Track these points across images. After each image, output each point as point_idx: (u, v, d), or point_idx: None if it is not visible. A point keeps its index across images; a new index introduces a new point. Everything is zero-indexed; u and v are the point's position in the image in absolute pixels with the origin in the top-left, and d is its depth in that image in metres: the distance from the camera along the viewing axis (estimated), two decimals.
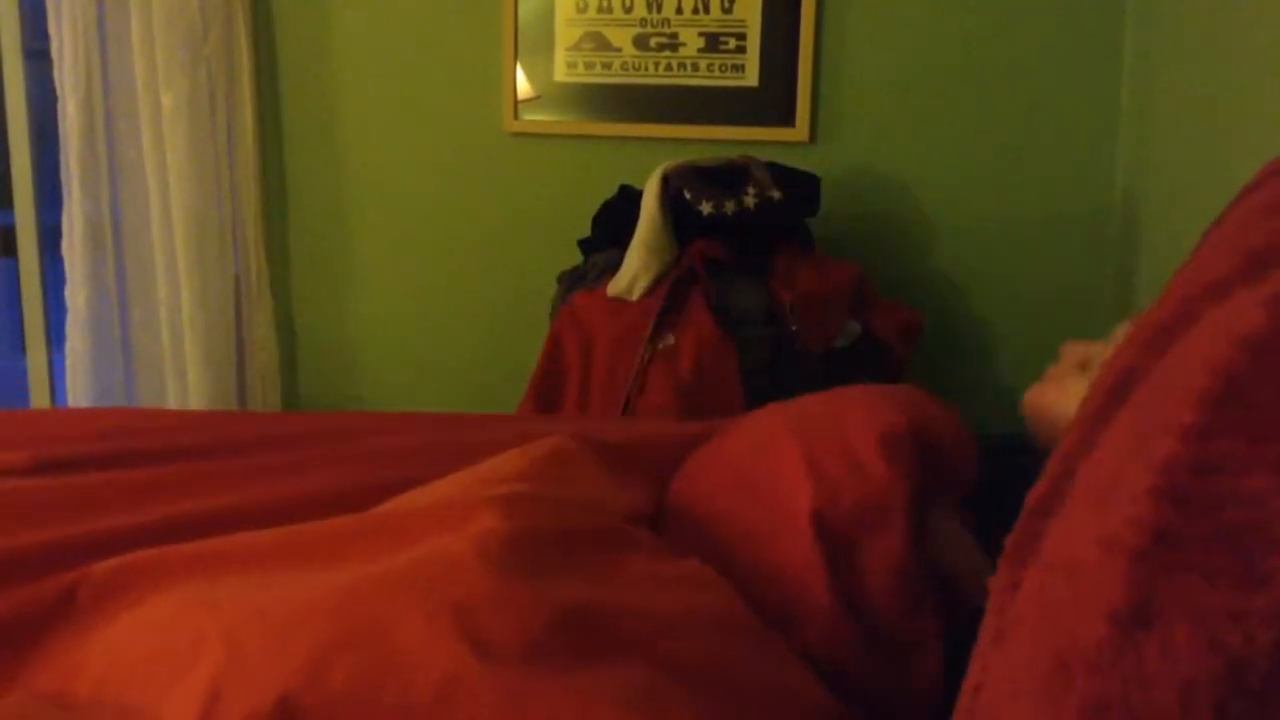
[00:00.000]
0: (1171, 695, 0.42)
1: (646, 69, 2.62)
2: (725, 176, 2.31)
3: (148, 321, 2.75)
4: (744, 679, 0.95)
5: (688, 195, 2.26)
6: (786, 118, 2.60)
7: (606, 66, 2.63)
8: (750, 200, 2.27)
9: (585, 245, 2.50)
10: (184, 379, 2.68)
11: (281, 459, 1.57)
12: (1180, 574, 0.43)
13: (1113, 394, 0.56)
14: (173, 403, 2.71)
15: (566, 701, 0.84)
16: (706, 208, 2.25)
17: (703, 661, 0.94)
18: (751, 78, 2.59)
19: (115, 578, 1.10)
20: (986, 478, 1.35)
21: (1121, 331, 1.58)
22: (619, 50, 2.62)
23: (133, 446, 1.57)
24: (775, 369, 2.15)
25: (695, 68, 2.60)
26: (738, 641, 1.00)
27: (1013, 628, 0.55)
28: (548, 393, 2.26)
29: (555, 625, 0.90)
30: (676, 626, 0.97)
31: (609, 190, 2.48)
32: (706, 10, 2.58)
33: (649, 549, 1.13)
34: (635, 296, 2.22)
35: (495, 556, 0.98)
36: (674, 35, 2.60)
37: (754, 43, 2.58)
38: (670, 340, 2.16)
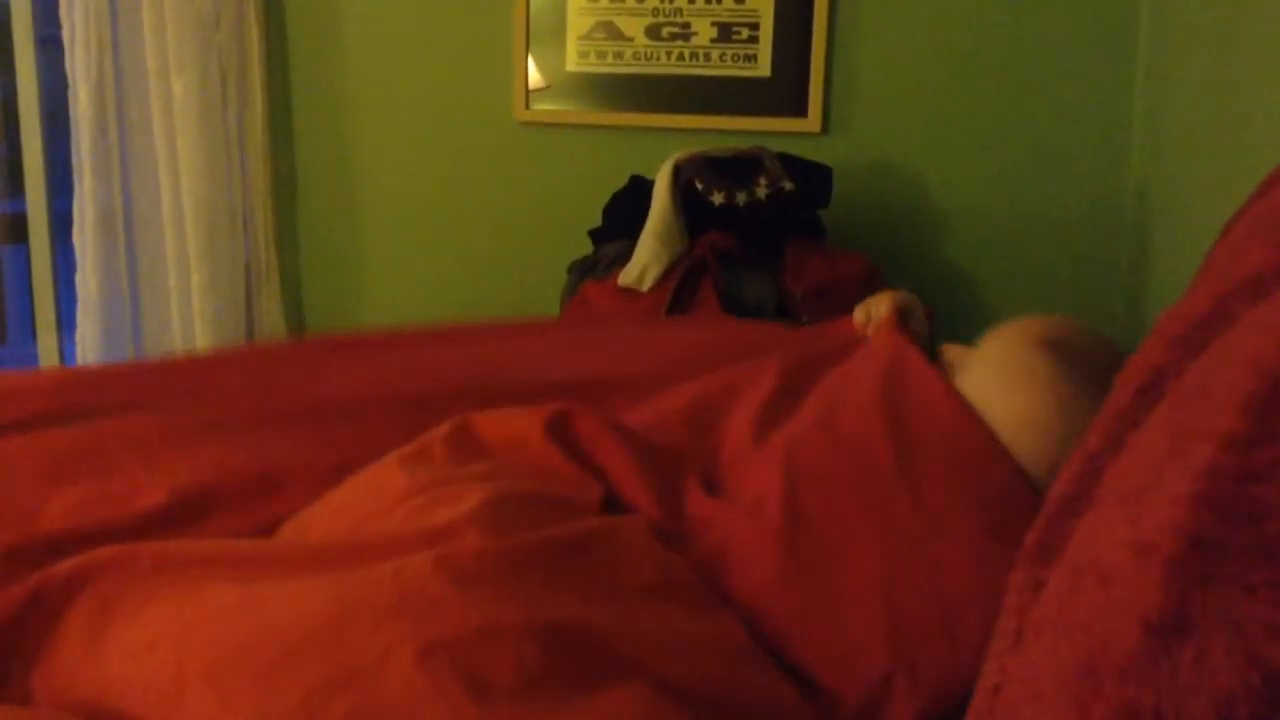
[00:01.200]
0: (1205, 707, 0.41)
1: (658, 59, 2.60)
2: (737, 167, 2.29)
3: (158, 309, 2.74)
4: (740, 697, 0.93)
5: (699, 186, 2.25)
6: (799, 108, 2.58)
7: (618, 56, 2.62)
8: (762, 191, 2.25)
9: (596, 235, 2.49)
10: None
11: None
12: (1219, 584, 0.42)
13: (1143, 393, 0.55)
14: None
15: None
16: (718, 198, 2.24)
17: (699, 681, 0.92)
18: (764, 68, 2.57)
19: (78, 581, 1.05)
20: None
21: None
22: (631, 40, 2.60)
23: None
24: None
25: (707, 58, 2.59)
26: (737, 658, 0.98)
27: (1035, 629, 0.54)
28: None
29: (550, 654, 0.87)
30: (671, 645, 0.94)
31: (620, 180, 2.47)
32: (719, 0, 2.56)
33: (653, 548, 1.09)
34: (646, 287, 2.21)
35: (482, 583, 0.94)
36: (686, 25, 2.58)
37: (766, 33, 2.56)
38: (694, 316, 2.16)
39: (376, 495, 1.25)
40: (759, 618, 1.10)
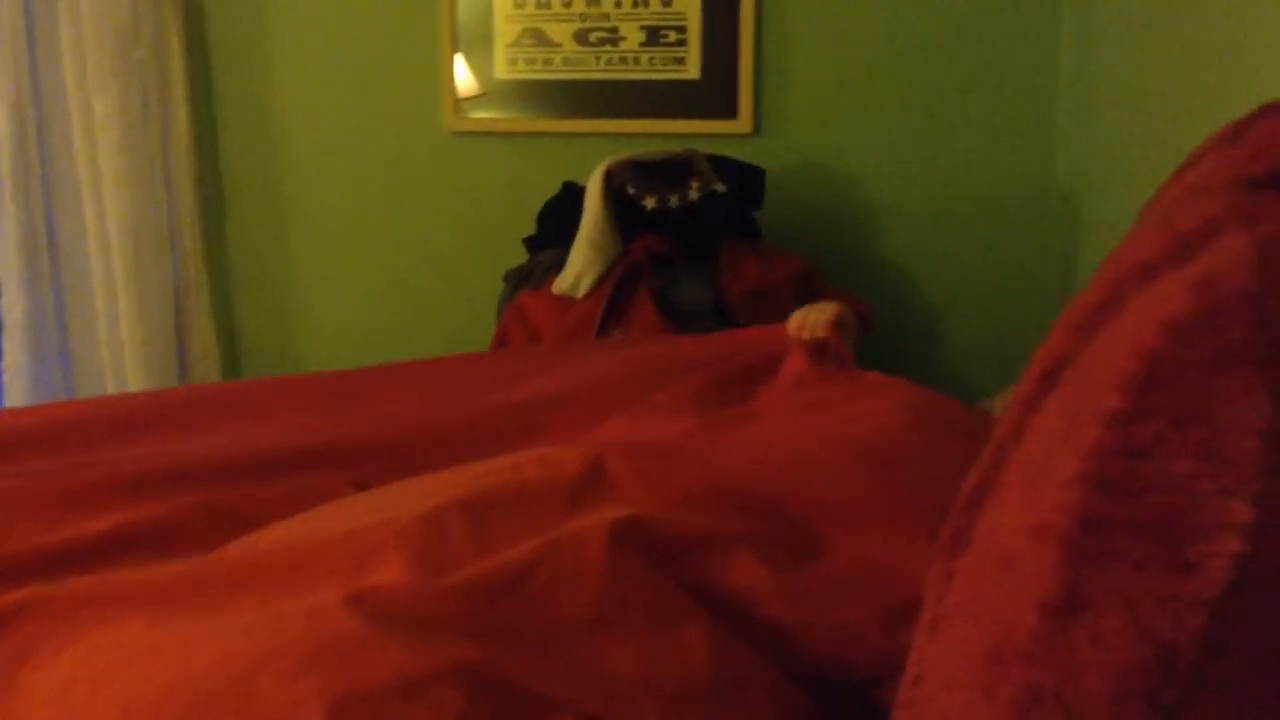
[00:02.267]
0: (1103, 684, 0.42)
1: (587, 64, 2.60)
2: (668, 170, 2.30)
3: (87, 332, 2.70)
4: None
5: (631, 190, 2.25)
6: (729, 110, 2.59)
7: (547, 63, 2.61)
8: (694, 194, 2.26)
9: (531, 243, 2.48)
10: (125, 389, 2.63)
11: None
12: (1109, 561, 0.42)
13: (1043, 380, 0.56)
14: None
15: None
16: (650, 202, 2.24)
17: None
18: (693, 70, 2.58)
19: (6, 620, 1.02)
20: None
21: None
22: (559, 46, 2.60)
23: None
24: None
25: (636, 61, 2.59)
26: (688, 701, 0.94)
27: (947, 618, 0.54)
28: None
29: (472, 703, 0.83)
30: (615, 688, 0.90)
31: (553, 187, 2.46)
32: (646, 4, 2.56)
33: (598, 575, 1.02)
34: (581, 293, 2.21)
35: (401, 625, 0.90)
36: (614, 30, 2.58)
37: (695, 35, 2.57)
38: (618, 336, 2.15)
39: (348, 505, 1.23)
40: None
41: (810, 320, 1.70)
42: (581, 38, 2.59)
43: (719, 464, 1.27)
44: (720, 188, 2.27)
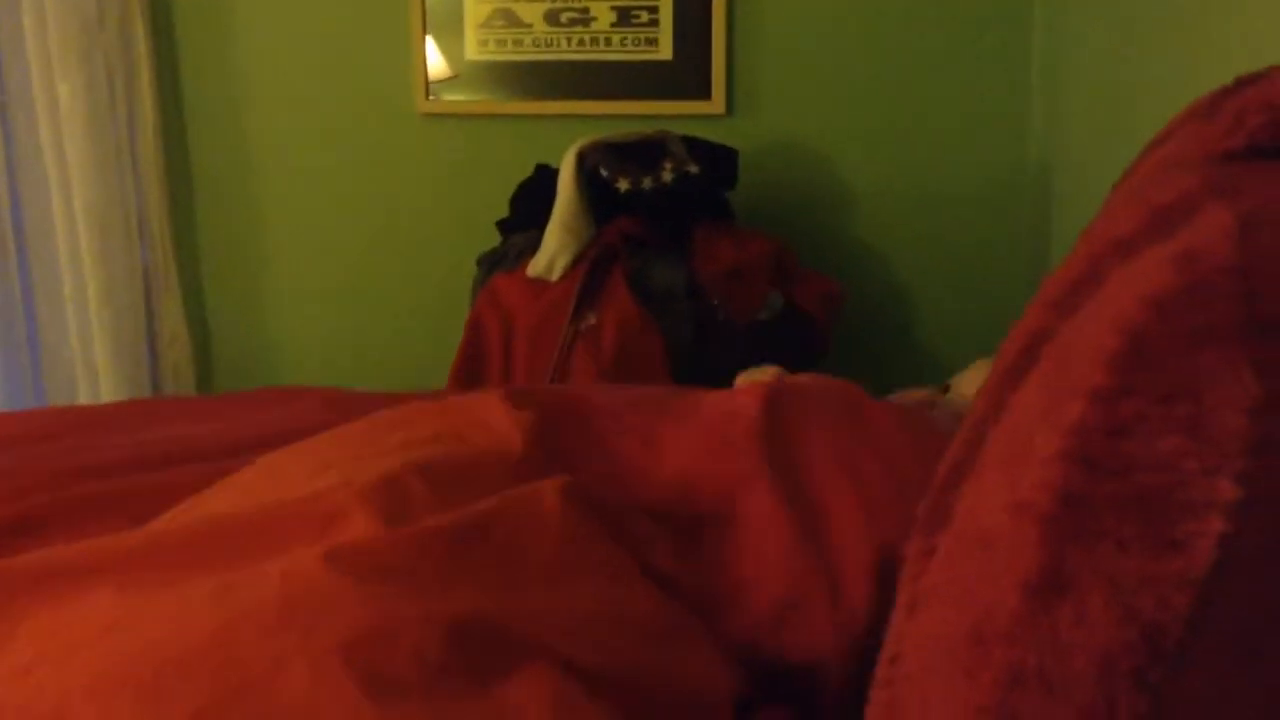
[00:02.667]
0: (1088, 664, 0.41)
1: (559, 45, 2.58)
2: (642, 152, 2.29)
3: (55, 319, 2.66)
4: (657, 676, 0.92)
5: (604, 172, 2.24)
6: (702, 90, 2.58)
7: (518, 44, 2.59)
8: (667, 175, 2.25)
9: (504, 226, 2.46)
10: (95, 377, 2.61)
11: None
12: (1092, 540, 0.42)
13: (1021, 356, 0.55)
14: (84, 400, 2.63)
15: None
16: (623, 184, 2.23)
17: (610, 662, 0.90)
18: (665, 51, 2.57)
19: None
20: None
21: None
22: (530, 27, 2.58)
23: None
24: (699, 344, 2.14)
25: (608, 42, 2.57)
26: (650, 638, 0.96)
27: (927, 597, 0.54)
28: (469, 377, 2.23)
29: (451, 647, 0.84)
30: (579, 626, 0.92)
31: (526, 170, 2.45)
32: None
33: (556, 524, 1.06)
34: (555, 277, 2.20)
35: (376, 576, 0.91)
36: (585, 10, 2.56)
37: (666, 15, 2.55)
38: (592, 320, 2.14)
39: (281, 472, 1.23)
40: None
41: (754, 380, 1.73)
42: (552, 18, 2.57)
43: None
44: (693, 169, 2.26)
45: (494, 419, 1.31)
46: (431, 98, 2.62)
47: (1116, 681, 0.41)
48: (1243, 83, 0.65)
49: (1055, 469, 0.44)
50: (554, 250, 2.20)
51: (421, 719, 0.79)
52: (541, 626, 0.90)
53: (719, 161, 2.34)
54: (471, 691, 0.82)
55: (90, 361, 2.62)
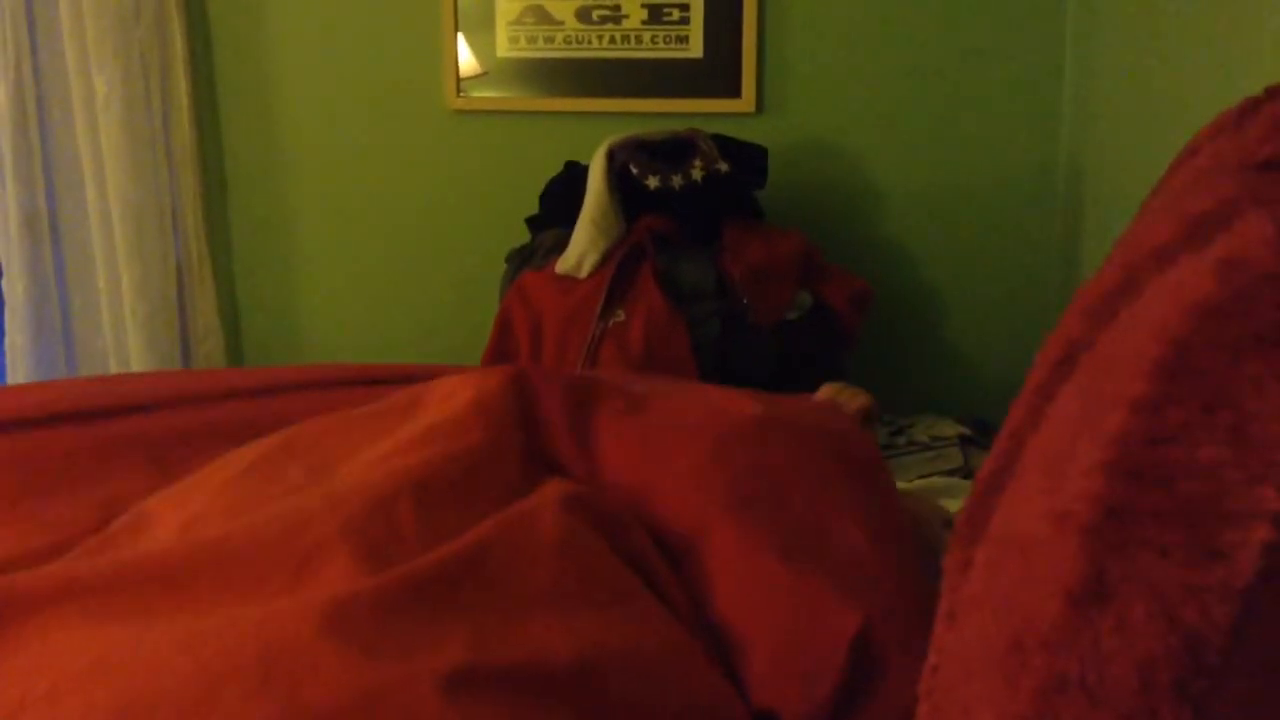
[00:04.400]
0: (1130, 673, 0.41)
1: (590, 42, 2.58)
2: (671, 150, 2.29)
3: (89, 312, 2.69)
4: (664, 701, 0.89)
5: (634, 170, 2.24)
6: (732, 89, 2.57)
7: (549, 40, 2.60)
8: (697, 173, 2.25)
9: (533, 223, 2.47)
10: (128, 369, 2.63)
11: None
12: (1135, 549, 0.42)
13: (1058, 367, 0.55)
14: None
15: None
16: (653, 182, 2.23)
17: (619, 690, 0.87)
18: (696, 49, 2.56)
19: None
20: None
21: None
22: (561, 24, 2.58)
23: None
24: (726, 343, 2.14)
25: (639, 40, 2.57)
26: (657, 661, 0.92)
27: (965, 606, 0.54)
28: None
29: (449, 702, 0.80)
30: (588, 658, 0.88)
31: (556, 167, 2.45)
32: None
33: (555, 547, 1.00)
34: (584, 274, 2.20)
35: (362, 633, 0.85)
36: (616, 7, 2.57)
37: (697, 14, 2.55)
38: (620, 317, 2.15)
39: (267, 471, 1.19)
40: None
41: (841, 403, 1.65)
42: (584, 15, 2.58)
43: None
44: (723, 167, 2.26)
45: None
46: (462, 94, 2.63)
47: (1158, 692, 0.41)
48: (1273, 93, 0.64)
49: (1097, 479, 0.44)
50: (583, 247, 2.20)
51: None
52: (543, 661, 0.87)
53: (749, 160, 2.34)
54: None
55: (123, 354, 2.64)
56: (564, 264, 2.22)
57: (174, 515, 1.12)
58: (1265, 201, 0.49)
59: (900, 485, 1.61)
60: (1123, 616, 0.42)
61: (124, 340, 2.63)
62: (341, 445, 1.22)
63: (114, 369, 2.65)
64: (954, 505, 1.56)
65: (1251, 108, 0.66)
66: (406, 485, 1.06)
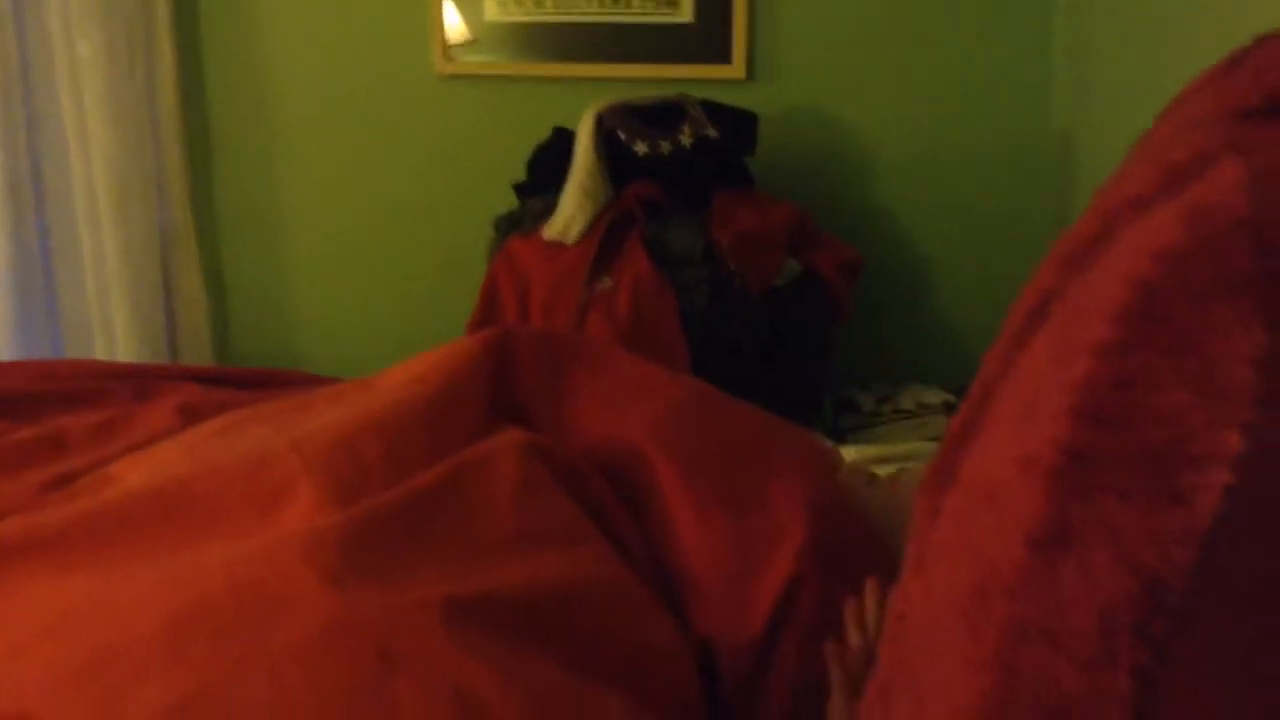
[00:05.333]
0: (1091, 618, 0.41)
1: (579, 6, 2.56)
2: (660, 116, 2.27)
3: (73, 281, 2.67)
4: (611, 637, 0.91)
5: (622, 135, 2.23)
6: (722, 55, 2.56)
7: (538, 4, 2.57)
8: (686, 139, 2.24)
9: (521, 189, 2.46)
10: (112, 337, 2.62)
11: None
12: (1097, 494, 0.42)
13: (1031, 315, 0.55)
14: None
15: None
16: (641, 148, 2.22)
17: (569, 628, 0.89)
18: (686, 13, 2.55)
19: None
20: None
21: None
22: None
23: None
24: (715, 310, 2.13)
25: (629, 4, 2.55)
26: (610, 607, 0.95)
27: (932, 554, 0.54)
28: None
29: (408, 639, 0.81)
30: (542, 598, 0.91)
31: (544, 132, 2.44)
32: None
33: (513, 491, 1.03)
34: (571, 240, 2.19)
35: (333, 569, 0.86)
36: None
37: None
38: (608, 283, 2.14)
39: (232, 429, 1.20)
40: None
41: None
42: None
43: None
44: (713, 133, 2.25)
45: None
46: (450, 60, 2.61)
47: (1118, 635, 0.41)
48: (1261, 41, 0.64)
49: (1062, 424, 0.43)
50: (571, 213, 2.19)
51: (379, 718, 0.77)
52: (510, 592, 0.89)
53: (739, 126, 2.32)
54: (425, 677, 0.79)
55: (108, 322, 2.63)
56: (551, 230, 2.21)
57: (137, 471, 1.12)
58: (1243, 149, 0.49)
59: (890, 449, 1.63)
60: (1085, 561, 0.42)
61: (109, 309, 2.62)
62: (308, 411, 1.23)
63: (98, 338, 2.64)
64: None
65: (1239, 58, 0.66)
66: (370, 424, 1.08)
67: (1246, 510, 0.39)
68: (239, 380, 1.65)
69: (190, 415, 1.39)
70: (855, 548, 1.12)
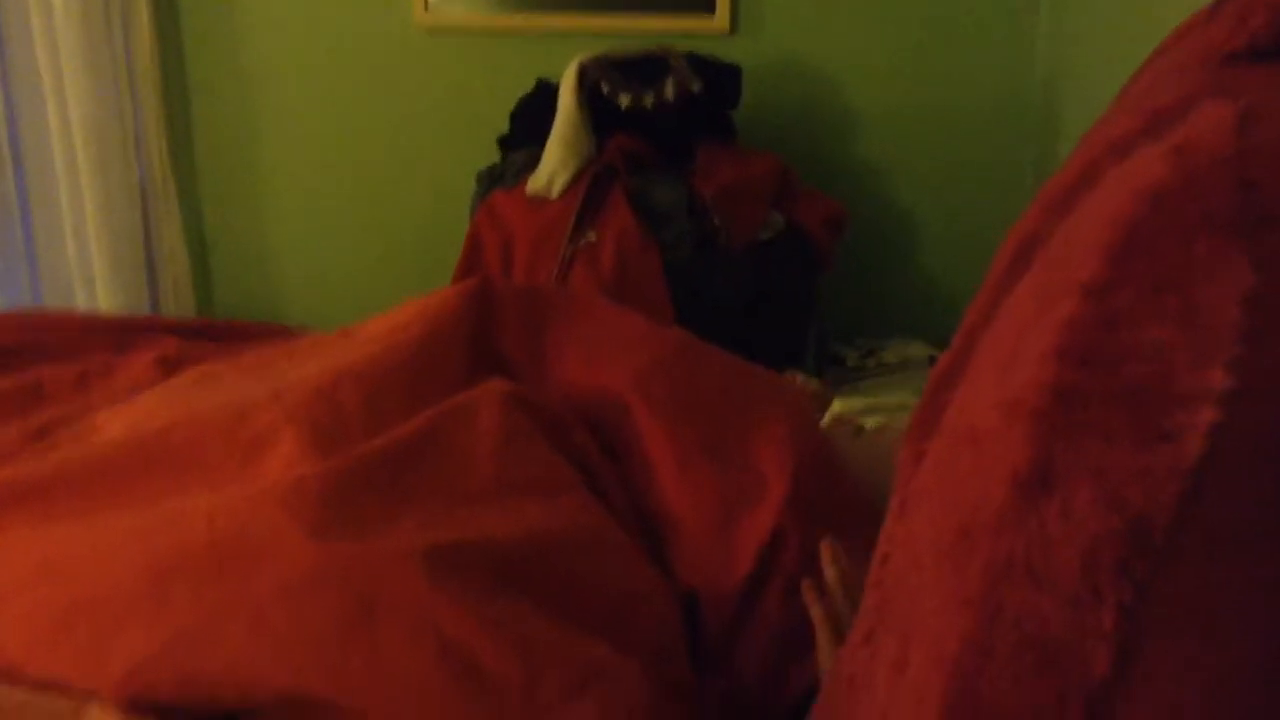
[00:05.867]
0: (1073, 557, 0.41)
1: None
2: (644, 68, 2.26)
3: (52, 235, 2.65)
4: (599, 595, 0.92)
5: (605, 88, 2.21)
6: (706, 7, 2.54)
7: None
8: (670, 92, 2.22)
9: (504, 143, 2.44)
10: (93, 291, 2.60)
11: None
12: (1081, 434, 0.42)
13: (1014, 262, 0.55)
14: None
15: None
16: (625, 100, 2.21)
17: (559, 581, 0.90)
18: None
19: None
20: None
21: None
22: None
23: None
24: (698, 263, 2.13)
25: None
26: (591, 556, 0.96)
27: (916, 498, 0.54)
28: None
29: (394, 586, 0.82)
30: (522, 547, 0.91)
31: (527, 85, 2.42)
32: None
33: (494, 441, 1.03)
34: (555, 194, 2.18)
35: (314, 519, 0.86)
36: None
37: None
38: (591, 238, 2.13)
39: (213, 378, 1.20)
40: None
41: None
42: None
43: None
44: (696, 86, 2.24)
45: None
46: (431, 11, 2.58)
47: (1102, 574, 0.41)
48: None
49: (1047, 365, 0.43)
50: (554, 167, 2.18)
51: (362, 664, 0.78)
52: (491, 541, 0.89)
53: (722, 79, 2.31)
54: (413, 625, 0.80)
55: (88, 277, 2.61)
56: (534, 184, 2.19)
57: (118, 422, 1.12)
58: (1227, 91, 0.49)
59: (879, 400, 1.64)
60: (1068, 500, 0.42)
61: (88, 262, 2.60)
62: (288, 360, 1.23)
63: (79, 292, 2.62)
64: None
65: (1221, 3, 0.65)
66: (349, 375, 1.08)
67: (1232, 448, 0.39)
68: (218, 333, 1.64)
69: (169, 367, 1.38)
70: (839, 499, 1.13)
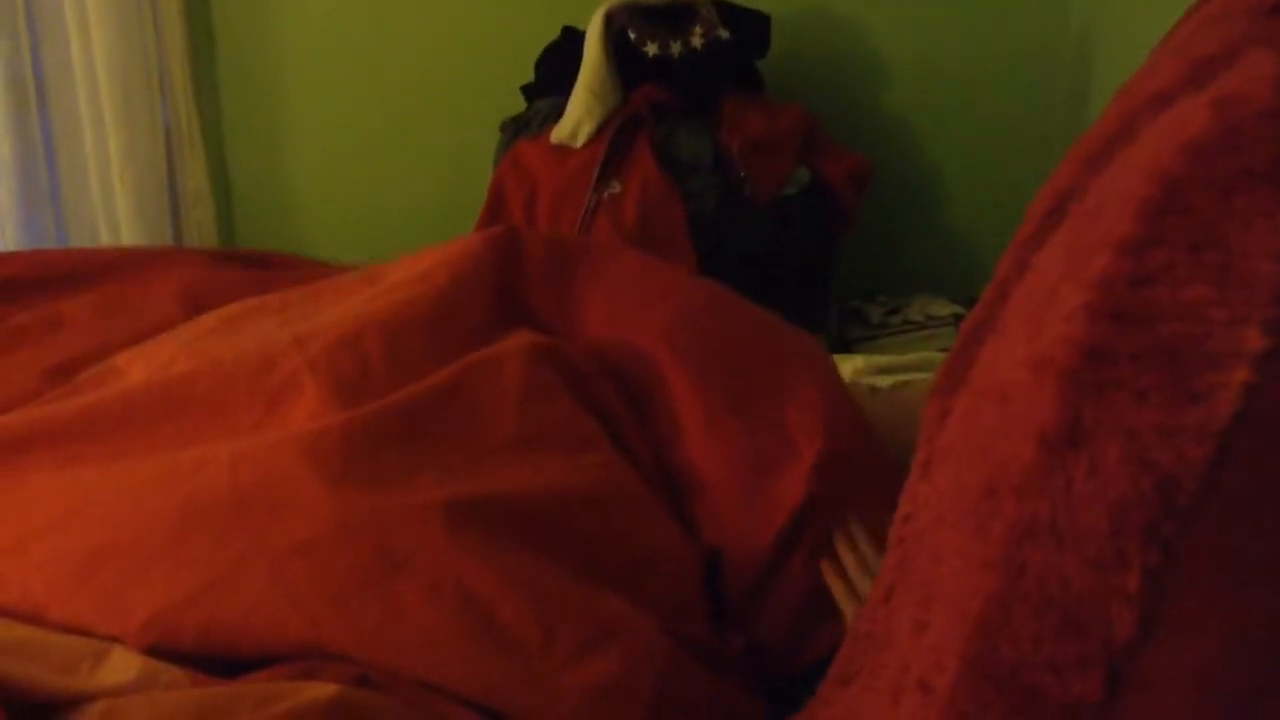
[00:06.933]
0: (1101, 516, 0.41)
1: None
2: (671, 15, 2.23)
3: (77, 177, 2.65)
4: (618, 550, 0.92)
5: (632, 36, 2.18)
6: None
7: None
8: (697, 40, 2.19)
9: (528, 91, 2.42)
10: (117, 233, 2.60)
11: None
12: (1111, 392, 0.41)
13: (1048, 215, 0.53)
14: None
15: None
16: (652, 49, 2.18)
17: (580, 536, 0.90)
18: None
19: None
20: None
21: None
22: None
23: None
24: (722, 216, 2.11)
25: None
26: (612, 511, 0.95)
27: (941, 455, 0.53)
28: None
29: (418, 540, 0.82)
30: (542, 501, 0.91)
31: (552, 32, 2.39)
32: None
33: (517, 394, 1.03)
34: (579, 143, 2.16)
35: (335, 471, 0.87)
36: None
37: None
38: (616, 188, 2.12)
39: (236, 321, 1.19)
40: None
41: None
42: None
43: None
44: (724, 35, 2.21)
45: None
46: None
47: (1128, 535, 0.40)
48: None
49: (1078, 322, 0.42)
50: (579, 116, 2.16)
51: (380, 616, 0.79)
52: (511, 495, 0.89)
53: (751, 27, 2.27)
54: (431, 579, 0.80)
55: (113, 218, 2.61)
56: (559, 133, 2.18)
57: (142, 366, 1.12)
58: (1271, 42, 0.47)
59: (902, 359, 1.63)
60: (1096, 460, 0.41)
61: (113, 205, 2.60)
62: (314, 304, 1.22)
63: (104, 234, 2.62)
64: None
65: None
66: (373, 324, 1.07)
67: (1263, 408, 0.38)
68: (240, 259, 1.63)
69: (190, 300, 1.38)
70: (867, 462, 1.11)
